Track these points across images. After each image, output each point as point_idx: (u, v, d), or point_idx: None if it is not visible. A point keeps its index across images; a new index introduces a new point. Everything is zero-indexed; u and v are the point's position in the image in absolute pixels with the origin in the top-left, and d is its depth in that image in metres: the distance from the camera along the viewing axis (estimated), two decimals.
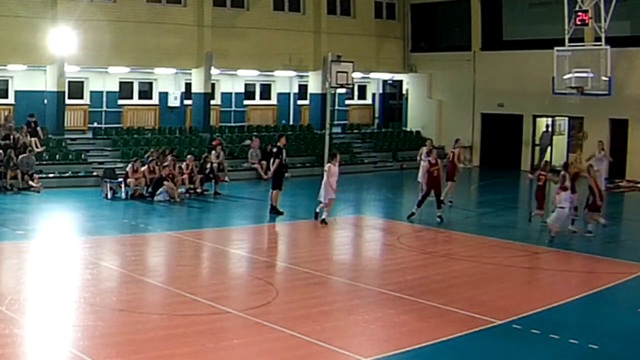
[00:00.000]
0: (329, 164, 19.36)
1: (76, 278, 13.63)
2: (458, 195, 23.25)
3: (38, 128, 25.77)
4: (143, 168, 23.07)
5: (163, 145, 26.59)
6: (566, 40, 28.47)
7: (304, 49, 32.66)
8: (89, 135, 28.66)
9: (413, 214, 19.97)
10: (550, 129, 33.03)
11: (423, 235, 18.49)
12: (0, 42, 25.24)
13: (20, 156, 23.31)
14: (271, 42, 31.39)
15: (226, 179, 26.14)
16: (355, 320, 11.41)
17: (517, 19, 33.74)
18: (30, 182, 23.15)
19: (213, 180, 24.64)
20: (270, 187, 20.77)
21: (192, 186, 23.99)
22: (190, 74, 30.59)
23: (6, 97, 28.05)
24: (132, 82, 31.06)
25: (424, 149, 22.98)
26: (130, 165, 23.11)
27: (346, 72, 30.25)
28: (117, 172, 23.94)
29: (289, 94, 35.58)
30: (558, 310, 12.20)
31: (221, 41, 30.11)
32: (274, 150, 21.24)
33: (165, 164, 23.24)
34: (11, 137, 24.47)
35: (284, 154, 21.49)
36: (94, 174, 25.07)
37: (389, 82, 39.10)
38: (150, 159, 23.69)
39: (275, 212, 20.35)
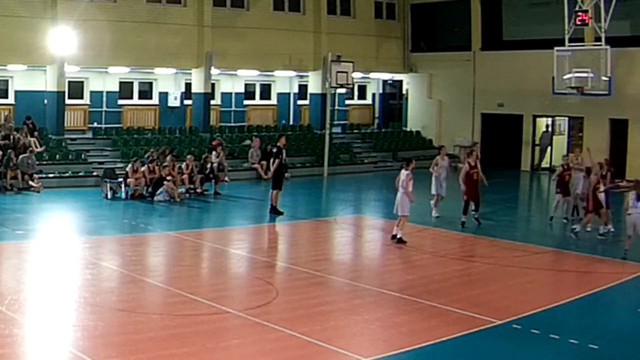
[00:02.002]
0: (406, 171, 16.88)
1: (76, 278, 13.63)
2: (457, 195, 23.11)
3: (35, 133, 25.69)
4: (143, 168, 23.09)
5: (163, 145, 26.59)
6: (566, 40, 28.45)
7: (304, 49, 32.65)
8: (89, 135, 28.65)
9: (464, 222, 19.17)
10: (550, 129, 33.02)
11: (423, 235, 18.46)
12: (0, 42, 25.23)
13: (21, 156, 23.30)
14: (271, 42, 31.38)
15: (226, 179, 26.12)
16: (355, 320, 11.41)
17: (517, 19, 33.72)
18: (31, 182, 23.14)
19: (213, 180, 24.64)
20: (270, 187, 20.76)
21: (192, 186, 23.99)
22: (190, 74, 30.58)
23: (6, 97, 28.04)
24: (132, 82, 31.04)
25: (439, 158, 20.78)
26: (130, 165, 23.12)
27: (346, 72, 30.29)
28: (117, 172, 23.95)
29: (289, 94, 35.56)
30: (558, 310, 12.20)
31: (221, 41, 30.11)
32: (274, 150, 21.19)
33: (165, 164, 23.26)
34: (11, 137, 24.47)
35: (284, 154, 21.45)
36: (94, 174, 25.07)
37: (389, 82, 39.08)
38: (150, 159, 23.69)
39: (275, 212, 20.34)
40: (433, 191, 20.60)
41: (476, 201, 19.51)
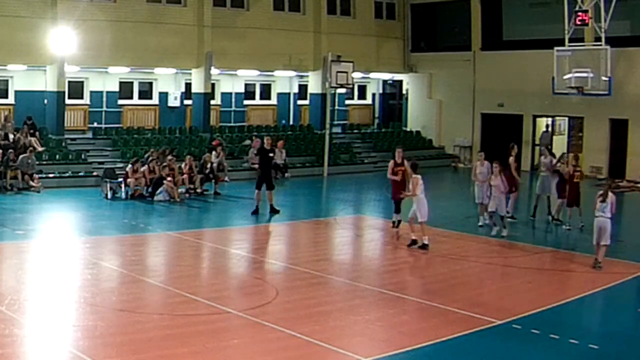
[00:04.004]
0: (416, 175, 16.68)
1: (76, 278, 13.63)
2: (457, 195, 23.12)
3: (36, 133, 25.69)
4: (143, 168, 23.08)
5: (163, 145, 26.59)
6: (566, 40, 28.46)
7: (304, 49, 32.66)
8: (89, 135, 28.66)
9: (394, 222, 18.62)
10: (550, 129, 33.01)
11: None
12: (0, 42, 25.24)
13: (21, 156, 23.30)
14: (271, 42, 31.38)
15: (226, 178, 26.11)
16: (355, 320, 11.41)
17: (517, 18, 33.72)
18: (31, 182, 23.14)
19: (213, 180, 24.63)
20: (265, 188, 20.47)
21: (192, 186, 23.99)
22: (190, 74, 30.59)
23: (6, 97, 28.05)
24: (132, 82, 31.06)
25: (478, 164, 19.32)
26: (130, 165, 23.12)
27: (346, 72, 30.29)
28: (117, 172, 23.96)
29: (289, 94, 35.58)
30: (558, 310, 12.20)
31: (221, 41, 30.11)
32: (266, 147, 20.66)
33: (164, 163, 23.26)
34: (10, 137, 24.45)
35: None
36: (94, 174, 25.07)
37: (389, 82, 39.10)
38: (150, 159, 23.70)
39: (272, 211, 20.32)
40: (478, 199, 19.21)
41: (398, 202, 18.20)
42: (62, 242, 16.77)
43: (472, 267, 15.38)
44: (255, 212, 20.31)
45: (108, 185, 22.74)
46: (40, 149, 24.84)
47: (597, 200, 14.93)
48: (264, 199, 20.42)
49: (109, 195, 22.63)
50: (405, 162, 18.00)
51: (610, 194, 14.98)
